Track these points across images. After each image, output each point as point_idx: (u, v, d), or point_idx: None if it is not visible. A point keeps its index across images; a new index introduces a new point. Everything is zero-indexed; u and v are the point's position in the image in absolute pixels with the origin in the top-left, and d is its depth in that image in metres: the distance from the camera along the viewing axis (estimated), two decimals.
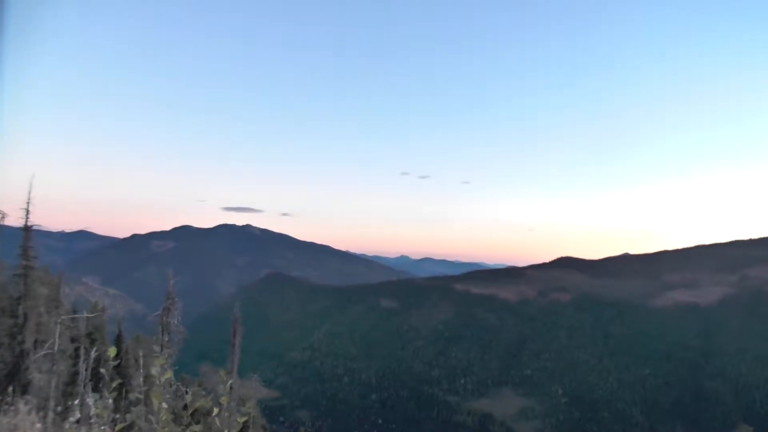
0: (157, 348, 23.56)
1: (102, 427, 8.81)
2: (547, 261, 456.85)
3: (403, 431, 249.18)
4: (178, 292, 25.94)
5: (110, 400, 9.08)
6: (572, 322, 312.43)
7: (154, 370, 8.25)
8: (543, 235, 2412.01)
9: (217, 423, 8.44)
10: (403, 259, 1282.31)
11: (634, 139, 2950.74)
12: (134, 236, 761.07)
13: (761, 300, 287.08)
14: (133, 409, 9.01)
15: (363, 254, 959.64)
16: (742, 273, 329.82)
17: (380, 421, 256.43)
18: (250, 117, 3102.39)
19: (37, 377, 29.47)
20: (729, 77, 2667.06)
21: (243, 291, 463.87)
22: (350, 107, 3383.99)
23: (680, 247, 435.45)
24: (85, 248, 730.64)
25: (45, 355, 29.63)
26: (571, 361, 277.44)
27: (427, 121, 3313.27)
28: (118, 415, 9.77)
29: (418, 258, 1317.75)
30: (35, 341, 31.18)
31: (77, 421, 9.50)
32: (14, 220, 30.40)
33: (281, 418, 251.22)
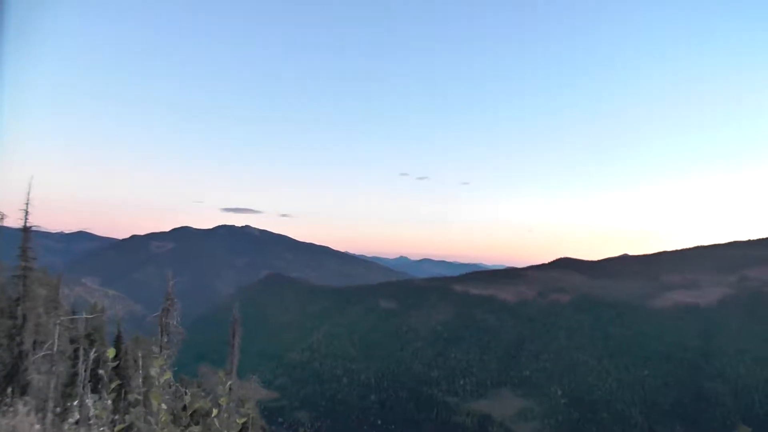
0: (156, 349, 23.51)
1: (101, 428, 8.82)
2: (546, 262, 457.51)
3: None
4: (177, 293, 25.88)
5: (109, 401, 9.08)
6: (571, 323, 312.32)
7: (153, 371, 8.26)
8: (542, 236, 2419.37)
9: (217, 424, 8.44)
10: (402, 260, 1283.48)
11: (633, 139, 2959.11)
12: (133, 237, 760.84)
13: (761, 301, 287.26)
14: (132, 410, 9.01)
15: (362, 255, 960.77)
16: (741, 274, 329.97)
17: (379, 421, 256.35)
18: (249, 118, 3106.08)
19: (36, 378, 29.46)
20: (729, 78, 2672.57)
21: (242, 292, 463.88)
22: (349, 108, 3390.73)
23: (679, 247, 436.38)
24: (84, 249, 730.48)
25: (44, 356, 29.62)
26: (571, 362, 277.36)
27: (426, 121, 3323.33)
28: (117, 416, 9.77)
29: (417, 259, 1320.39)
30: (34, 342, 31.17)
31: (76, 423, 9.50)
32: (13, 221, 30.41)
33: (280, 419, 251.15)
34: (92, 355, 15.66)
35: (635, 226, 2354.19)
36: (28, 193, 29.67)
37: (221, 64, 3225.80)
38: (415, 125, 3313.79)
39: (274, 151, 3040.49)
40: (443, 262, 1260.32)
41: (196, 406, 8.32)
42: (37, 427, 11.78)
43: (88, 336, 37.59)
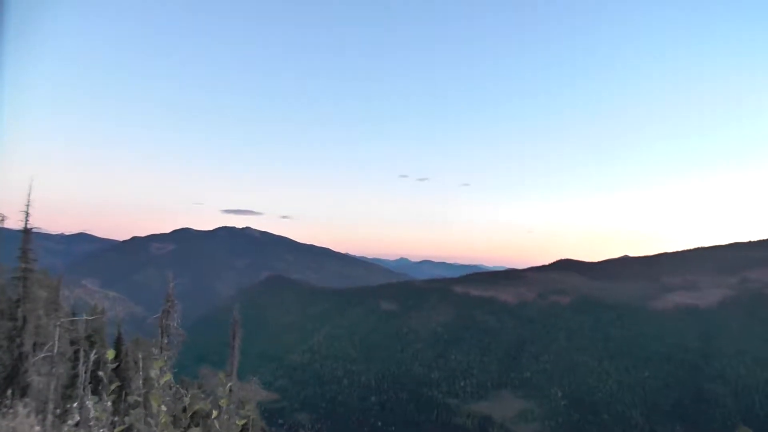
0: (156, 350, 23.49)
1: (101, 430, 8.81)
2: (546, 263, 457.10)
3: None
4: (177, 295, 25.85)
5: (109, 403, 9.07)
6: (572, 324, 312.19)
7: (153, 373, 8.25)
8: (542, 238, 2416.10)
9: (217, 426, 8.43)
10: (403, 262, 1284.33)
11: (633, 141, 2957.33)
12: (134, 239, 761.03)
13: (761, 302, 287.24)
14: (132, 411, 9.01)
15: (362, 257, 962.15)
16: (741, 275, 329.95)
17: (380, 423, 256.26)
18: (249, 119, 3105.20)
19: (36, 380, 29.45)
20: (729, 79, 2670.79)
21: (243, 293, 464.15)
22: (349, 109, 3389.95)
23: (680, 249, 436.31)
24: (85, 251, 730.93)
25: (44, 357, 29.61)
26: (571, 363, 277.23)
27: (426, 123, 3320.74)
28: (117, 418, 9.75)
29: (418, 260, 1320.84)
30: (34, 344, 31.16)
31: (76, 424, 9.48)
32: (14, 223, 30.41)
33: (281, 421, 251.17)
34: (92, 356, 15.64)
35: (635, 228, 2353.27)
36: (29, 195, 29.70)
37: (221, 64, 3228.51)
38: (415, 126, 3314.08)
39: (274, 153, 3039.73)
40: (443, 263, 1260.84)
41: (197, 407, 8.32)
42: (37, 428, 11.77)
43: (88, 338, 37.59)
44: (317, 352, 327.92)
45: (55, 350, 29.20)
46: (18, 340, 30.55)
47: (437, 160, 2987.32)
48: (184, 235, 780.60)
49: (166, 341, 24.72)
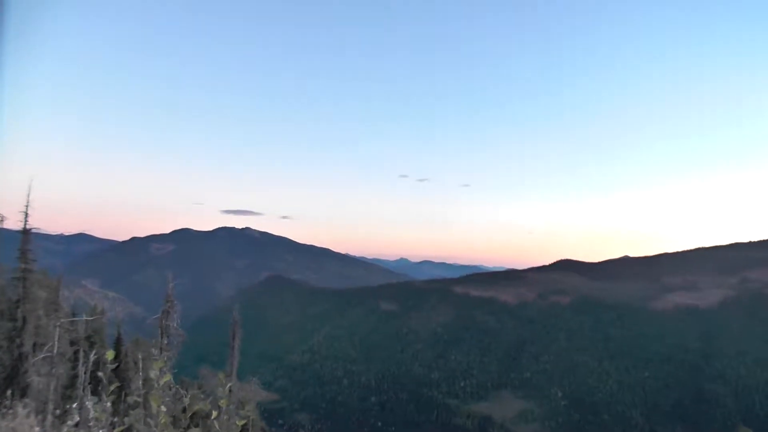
0: (156, 351, 23.46)
1: (101, 431, 8.79)
2: (546, 264, 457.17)
3: None
4: (177, 295, 25.82)
5: (109, 404, 9.06)
6: (572, 324, 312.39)
7: (153, 373, 8.24)
8: (542, 238, 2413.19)
9: (216, 426, 8.42)
10: (403, 262, 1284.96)
11: (633, 141, 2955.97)
12: (133, 239, 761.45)
13: (761, 302, 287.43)
14: (131, 412, 9.00)
15: (362, 257, 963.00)
16: (742, 275, 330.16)
17: (380, 423, 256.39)
18: (249, 119, 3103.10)
19: (35, 380, 29.43)
20: (729, 79, 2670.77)
21: (242, 294, 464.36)
22: (349, 109, 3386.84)
23: (680, 249, 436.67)
24: (85, 251, 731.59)
25: (44, 358, 29.60)
26: (571, 363, 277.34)
27: (425, 123, 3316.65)
28: (116, 419, 9.74)
29: (418, 261, 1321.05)
30: (34, 344, 31.14)
31: (76, 425, 9.47)
32: (13, 223, 30.38)
33: (280, 421, 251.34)
34: (92, 357, 15.64)
35: (636, 228, 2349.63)
36: (28, 195, 29.67)
37: (221, 64, 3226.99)
38: (415, 127, 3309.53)
39: (274, 153, 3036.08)
40: (443, 263, 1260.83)
41: (196, 408, 8.31)
42: (37, 429, 11.76)
43: (88, 338, 37.57)
44: (317, 353, 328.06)
45: (55, 351, 29.20)
46: (18, 341, 30.54)
47: (437, 160, 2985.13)
48: (183, 235, 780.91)
49: (165, 342, 24.70)
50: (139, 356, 12.78)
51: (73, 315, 39.97)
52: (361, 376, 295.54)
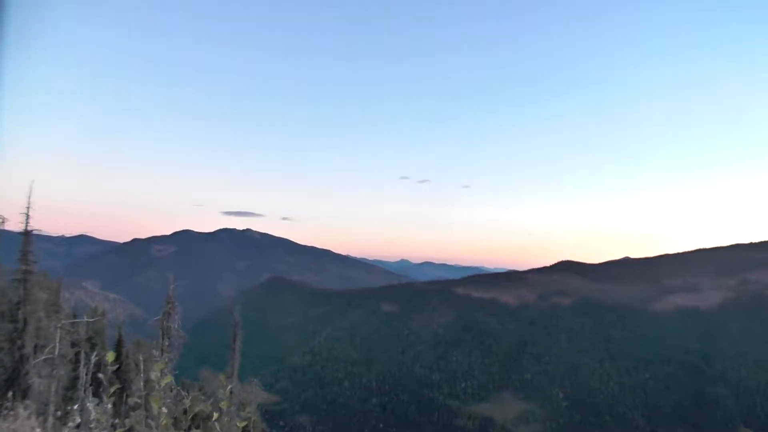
0: (157, 352, 23.49)
1: None
2: (547, 265, 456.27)
3: None
4: (178, 297, 25.86)
5: (110, 405, 9.07)
6: (573, 326, 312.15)
7: (154, 375, 8.25)
8: (543, 239, 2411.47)
9: (217, 428, 8.44)
10: (404, 263, 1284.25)
11: (634, 143, 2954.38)
12: (134, 240, 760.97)
13: (762, 304, 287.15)
14: (132, 413, 9.03)
15: (363, 258, 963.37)
16: (742, 277, 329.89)
17: (381, 425, 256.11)
18: (250, 121, 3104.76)
19: (37, 382, 29.45)
20: (730, 82, 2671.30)
21: (243, 295, 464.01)
22: (350, 111, 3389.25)
23: (681, 251, 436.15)
24: (85, 253, 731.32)
25: (45, 359, 29.61)
26: (572, 365, 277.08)
27: (426, 125, 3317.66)
28: (117, 420, 9.76)
29: (419, 262, 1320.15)
30: (35, 346, 31.17)
31: (77, 426, 9.48)
32: (14, 225, 30.41)
33: (281, 423, 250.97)
34: (93, 358, 15.64)
35: (636, 229, 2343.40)
36: (29, 197, 29.71)
37: (222, 66, 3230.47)
38: (416, 128, 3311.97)
39: (275, 154, 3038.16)
40: (444, 265, 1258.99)
41: (197, 409, 8.33)
42: (38, 430, 11.77)
43: (89, 339, 37.60)
44: (318, 354, 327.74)
45: (56, 352, 29.21)
46: (19, 342, 30.56)
47: (438, 161, 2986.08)
48: (184, 237, 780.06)
49: (166, 343, 24.73)
50: (140, 358, 12.81)
51: (74, 316, 39.98)
52: (362, 378, 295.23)
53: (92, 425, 8.78)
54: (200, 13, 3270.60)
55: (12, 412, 12.86)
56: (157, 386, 8.18)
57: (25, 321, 30.91)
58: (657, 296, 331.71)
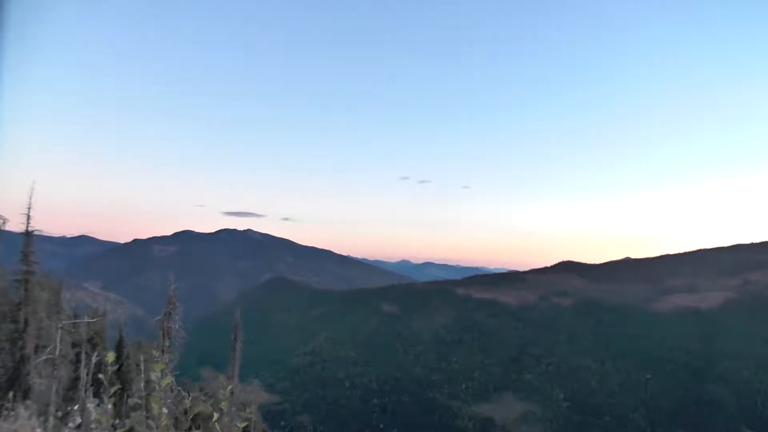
0: (157, 353, 23.51)
1: None
2: (548, 265, 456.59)
3: None
4: (178, 297, 25.92)
5: (110, 406, 9.08)
6: (573, 326, 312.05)
7: (154, 375, 8.26)
8: (544, 240, 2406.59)
9: (218, 428, 8.45)
10: (404, 264, 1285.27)
11: (635, 143, 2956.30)
12: (135, 241, 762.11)
13: (763, 304, 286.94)
14: (133, 414, 9.03)
15: (364, 259, 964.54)
16: (743, 277, 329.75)
17: (381, 425, 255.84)
18: (250, 122, 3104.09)
19: (37, 382, 29.47)
20: (731, 82, 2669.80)
21: (244, 296, 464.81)
22: (350, 112, 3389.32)
23: (681, 251, 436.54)
24: (86, 253, 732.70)
25: (46, 360, 29.63)
26: (573, 365, 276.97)
27: (426, 125, 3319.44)
28: (118, 421, 9.77)
29: (419, 262, 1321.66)
30: (36, 346, 31.19)
31: (78, 427, 9.49)
32: (15, 226, 30.48)
33: (282, 423, 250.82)
34: (94, 359, 15.67)
35: (637, 230, 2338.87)
36: (30, 198, 29.76)
37: (223, 67, 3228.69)
38: (416, 129, 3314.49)
39: (275, 155, 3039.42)
40: (445, 265, 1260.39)
41: (198, 410, 8.36)
42: (39, 431, 11.78)
43: (89, 340, 37.61)
44: (319, 355, 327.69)
45: (57, 353, 29.22)
46: (20, 343, 30.59)
47: (438, 162, 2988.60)
48: (185, 237, 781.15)
49: (167, 343, 24.78)
50: (141, 358, 12.83)
51: (75, 317, 40.00)
52: (362, 378, 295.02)
53: (93, 426, 8.80)
54: (200, 13, 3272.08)
55: (13, 413, 12.87)
56: (157, 387, 8.20)
57: (26, 321, 30.94)
58: (658, 297, 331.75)
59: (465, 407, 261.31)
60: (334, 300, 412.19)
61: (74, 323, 35.28)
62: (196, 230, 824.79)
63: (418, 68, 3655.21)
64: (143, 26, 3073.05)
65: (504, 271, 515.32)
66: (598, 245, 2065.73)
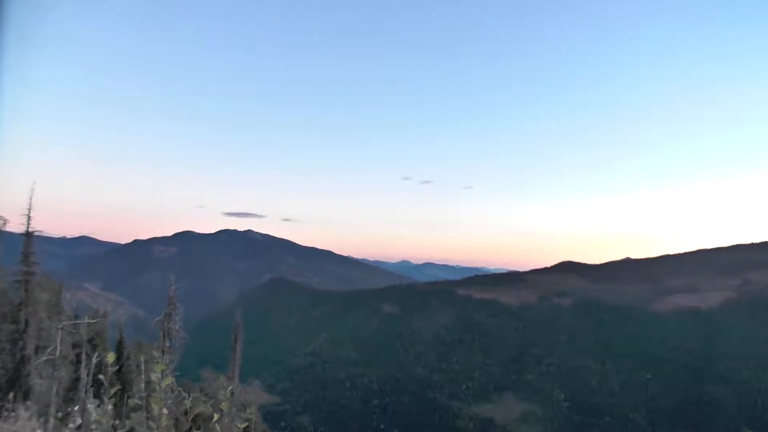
0: (158, 353, 23.49)
1: None
2: (548, 266, 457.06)
3: None
4: (179, 298, 25.88)
5: (110, 406, 9.07)
6: (573, 326, 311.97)
7: (154, 376, 8.26)
8: (544, 240, 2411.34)
9: (218, 429, 8.44)
10: (405, 264, 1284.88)
11: (635, 144, 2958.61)
12: (136, 242, 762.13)
13: (763, 304, 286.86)
14: (133, 414, 9.02)
15: (364, 259, 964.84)
16: (743, 277, 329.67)
17: (382, 426, 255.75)
18: (251, 122, 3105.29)
19: (38, 383, 29.43)
20: (731, 82, 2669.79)
21: (244, 296, 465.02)
22: (351, 112, 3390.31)
23: (682, 251, 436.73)
24: (87, 254, 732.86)
25: (46, 360, 29.60)
26: (573, 365, 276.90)
27: (428, 126, 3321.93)
28: (118, 421, 9.76)
29: (420, 263, 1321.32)
30: (36, 347, 31.15)
31: (78, 428, 9.48)
32: (15, 226, 30.41)
33: (282, 424, 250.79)
34: (94, 359, 15.66)
35: (637, 230, 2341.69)
36: (31, 198, 29.68)
37: (223, 68, 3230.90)
38: (418, 129, 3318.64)
39: (276, 155, 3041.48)
40: (446, 266, 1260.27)
41: (198, 410, 8.35)
42: None
43: (90, 341, 37.57)
44: (319, 355, 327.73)
45: (57, 353, 29.18)
46: (20, 344, 30.55)
47: (440, 162, 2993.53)
48: (185, 238, 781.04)
49: (167, 344, 24.75)
50: (141, 359, 12.82)
51: (76, 318, 39.96)
52: (363, 379, 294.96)
53: (93, 426, 8.79)
54: (200, 13, 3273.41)
55: (13, 414, 12.85)
56: (158, 387, 8.19)
57: (27, 322, 30.90)
58: (658, 297, 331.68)
59: (465, 407, 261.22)
60: (334, 300, 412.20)
61: (75, 324, 35.25)
62: (197, 231, 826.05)
63: (418, 68, 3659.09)
64: (143, 26, 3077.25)
65: (504, 272, 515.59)
66: (598, 245, 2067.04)
